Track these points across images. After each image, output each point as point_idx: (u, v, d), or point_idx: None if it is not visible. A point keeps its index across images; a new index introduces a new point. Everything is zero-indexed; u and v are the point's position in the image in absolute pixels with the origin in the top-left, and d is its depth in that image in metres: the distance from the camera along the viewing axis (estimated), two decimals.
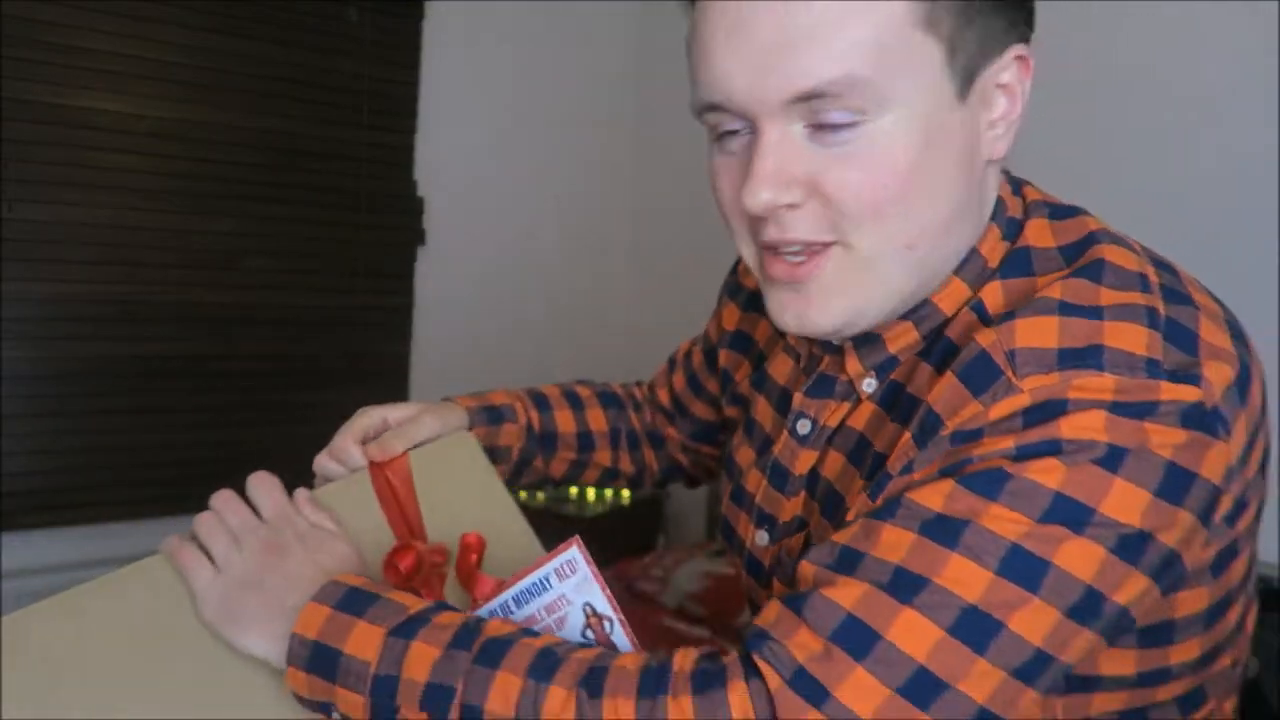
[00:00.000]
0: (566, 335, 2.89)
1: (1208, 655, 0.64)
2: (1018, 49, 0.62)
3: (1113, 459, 0.53)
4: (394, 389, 2.65)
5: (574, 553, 0.67)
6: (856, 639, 0.54)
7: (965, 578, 0.54)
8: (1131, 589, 0.55)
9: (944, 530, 0.55)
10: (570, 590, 0.67)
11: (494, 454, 0.89)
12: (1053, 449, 0.54)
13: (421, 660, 0.59)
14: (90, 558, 2.20)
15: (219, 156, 2.31)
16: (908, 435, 0.60)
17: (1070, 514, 0.53)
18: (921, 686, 0.53)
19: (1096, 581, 0.54)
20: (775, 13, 0.56)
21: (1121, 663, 0.62)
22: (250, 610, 0.65)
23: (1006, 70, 0.62)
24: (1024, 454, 0.54)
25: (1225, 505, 0.58)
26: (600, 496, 2.62)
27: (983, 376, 0.57)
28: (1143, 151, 2.01)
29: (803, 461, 0.71)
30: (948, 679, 0.53)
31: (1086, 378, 0.54)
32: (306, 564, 0.67)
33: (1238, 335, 0.60)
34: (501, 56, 2.71)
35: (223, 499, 0.72)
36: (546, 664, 0.58)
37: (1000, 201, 0.66)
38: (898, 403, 0.65)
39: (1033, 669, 0.54)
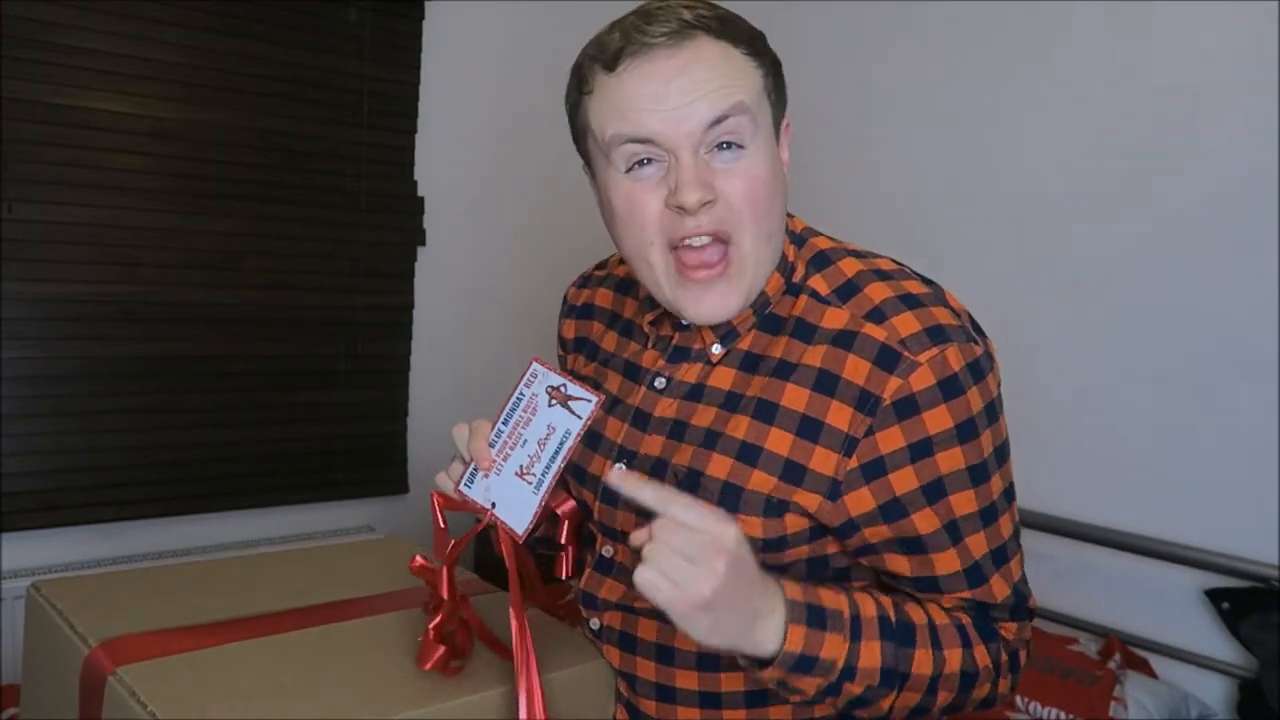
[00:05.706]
0: None
1: None
2: (786, 118, 0.94)
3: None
4: (394, 389, 2.65)
5: (535, 366, 0.90)
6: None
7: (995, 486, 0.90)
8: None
9: (977, 473, 0.87)
10: (537, 389, 0.89)
11: None
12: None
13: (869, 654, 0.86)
14: (90, 558, 2.20)
15: (219, 156, 2.32)
16: (850, 409, 0.85)
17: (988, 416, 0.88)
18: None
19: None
20: (689, 75, 0.84)
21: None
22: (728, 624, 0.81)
23: (785, 132, 0.94)
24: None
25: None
26: None
27: (891, 359, 0.84)
28: (1141, 150, 2.01)
29: (662, 408, 0.96)
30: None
31: (952, 348, 0.85)
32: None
33: None
34: (501, 56, 2.71)
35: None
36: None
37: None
38: (761, 363, 0.92)
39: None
